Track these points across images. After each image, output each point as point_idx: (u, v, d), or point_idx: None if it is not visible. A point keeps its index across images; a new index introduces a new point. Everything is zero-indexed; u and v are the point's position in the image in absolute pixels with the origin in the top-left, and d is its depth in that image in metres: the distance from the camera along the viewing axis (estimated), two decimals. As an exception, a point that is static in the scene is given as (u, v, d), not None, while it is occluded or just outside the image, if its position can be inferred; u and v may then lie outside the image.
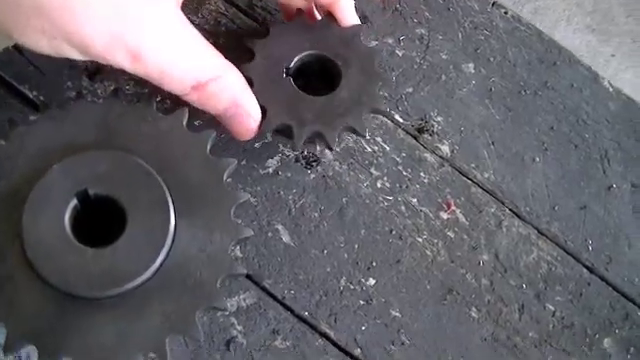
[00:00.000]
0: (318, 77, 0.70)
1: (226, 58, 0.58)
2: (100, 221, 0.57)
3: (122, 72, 0.74)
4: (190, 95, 0.56)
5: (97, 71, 0.74)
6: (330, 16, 0.69)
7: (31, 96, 0.73)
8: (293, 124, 0.64)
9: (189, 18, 0.57)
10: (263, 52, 0.66)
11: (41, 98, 0.73)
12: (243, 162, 0.72)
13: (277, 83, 0.66)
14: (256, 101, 0.60)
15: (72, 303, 0.55)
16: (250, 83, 0.63)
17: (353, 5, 0.69)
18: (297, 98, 0.66)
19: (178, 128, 0.62)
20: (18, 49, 0.74)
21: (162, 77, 0.54)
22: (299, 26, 0.69)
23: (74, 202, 0.55)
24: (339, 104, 0.66)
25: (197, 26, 0.77)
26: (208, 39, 0.56)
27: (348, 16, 0.68)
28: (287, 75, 0.66)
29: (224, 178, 0.61)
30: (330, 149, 0.69)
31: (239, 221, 0.61)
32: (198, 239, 0.60)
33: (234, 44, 0.74)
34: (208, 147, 0.62)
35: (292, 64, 0.67)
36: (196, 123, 0.69)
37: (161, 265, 0.58)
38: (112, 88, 0.74)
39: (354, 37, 0.68)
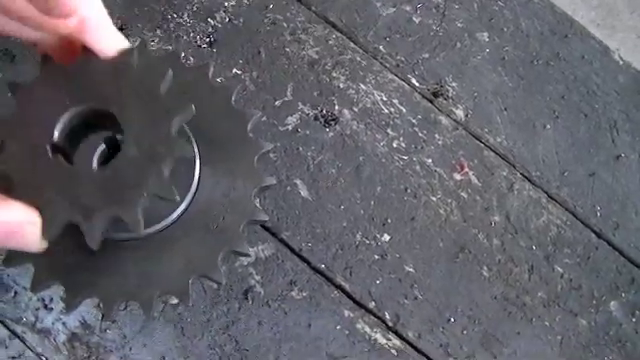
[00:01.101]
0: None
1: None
2: None
3: (148, 29, 0.76)
4: None
5: (122, 27, 0.75)
6: (86, 51, 0.51)
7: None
8: (78, 219, 0.47)
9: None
10: (13, 133, 0.48)
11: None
12: (263, 119, 0.72)
13: (44, 169, 0.49)
14: (19, 205, 0.44)
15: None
16: (10, 184, 0.47)
17: (109, 26, 0.49)
18: (74, 180, 0.48)
19: (203, 80, 0.62)
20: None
21: None
22: (48, 80, 0.50)
23: (102, 146, 0.53)
24: (129, 168, 0.49)
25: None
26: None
27: (107, 42, 0.49)
28: (55, 152, 0.49)
29: (248, 128, 0.62)
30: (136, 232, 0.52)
31: (263, 170, 0.62)
32: (222, 185, 0.60)
33: None
34: (233, 98, 0.62)
35: (56, 135, 0.49)
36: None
37: (185, 209, 0.58)
38: (136, 43, 0.74)
39: (121, 69, 0.50)
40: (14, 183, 0.48)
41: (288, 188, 0.71)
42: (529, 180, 0.75)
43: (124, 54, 0.53)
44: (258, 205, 0.60)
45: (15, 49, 0.73)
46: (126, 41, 0.50)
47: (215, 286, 0.67)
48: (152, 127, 0.51)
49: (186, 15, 0.76)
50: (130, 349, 0.66)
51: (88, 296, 0.58)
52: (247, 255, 0.65)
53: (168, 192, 0.50)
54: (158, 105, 0.52)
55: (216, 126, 0.61)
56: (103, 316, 0.67)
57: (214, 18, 0.76)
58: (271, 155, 0.71)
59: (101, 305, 0.67)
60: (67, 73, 0.52)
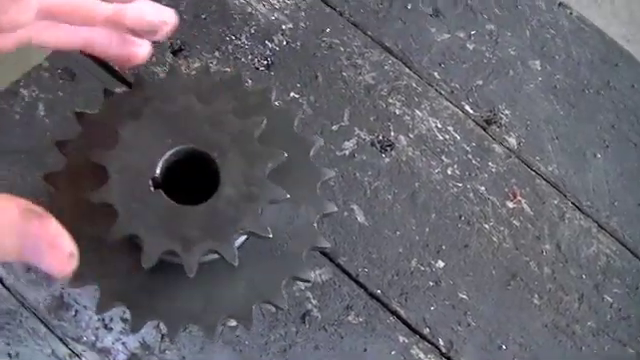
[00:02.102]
0: (190, 175, 0.56)
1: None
2: (184, 184, 0.55)
3: (206, 50, 0.75)
4: None
5: (181, 48, 0.74)
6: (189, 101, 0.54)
7: (116, 68, 0.73)
8: (178, 249, 0.50)
9: None
10: (118, 166, 0.51)
11: (126, 71, 0.73)
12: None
13: (145, 202, 0.51)
14: (59, 227, 0.41)
15: (162, 266, 0.55)
16: (114, 212, 0.50)
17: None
18: (174, 214, 0.51)
19: (266, 104, 0.62)
20: (105, 22, 0.74)
21: None
22: (153, 119, 0.53)
23: (168, 159, 0.53)
24: (225, 206, 0.51)
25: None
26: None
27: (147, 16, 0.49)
28: (156, 187, 0.52)
29: (310, 155, 0.62)
30: (232, 265, 0.51)
31: (324, 197, 0.62)
32: (285, 212, 0.60)
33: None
34: (295, 123, 0.62)
35: (158, 171, 0.52)
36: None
37: (248, 237, 0.58)
38: (196, 65, 0.74)
39: (222, 114, 0.54)
40: (116, 212, 0.50)
41: (345, 213, 0.70)
42: (579, 209, 0.75)
43: (222, 101, 0.54)
44: (320, 232, 0.61)
45: (76, 68, 0.72)
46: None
47: (274, 310, 0.67)
48: (247, 170, 0.52)
49: (244, 37, 0.75)
50: (189, 370, 0.66)
51: (153, 319, 0.57)
52: (309, 281, 0.65)
53: (262, 230, 0.51)
54: (253, 149, 0.53)
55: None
56: (162, 337, 0.66)
57: (272, 41, 0.76)
58: (328, 182, 0.71)
59: (163, 327, 0.66)
60: (170, 114, 0.53)
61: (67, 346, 0.65)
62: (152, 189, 0.51)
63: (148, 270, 0.51)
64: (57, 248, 0.39)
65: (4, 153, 0.69)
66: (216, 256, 0.56)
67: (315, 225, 0.60)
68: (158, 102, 0.54)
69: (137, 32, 0.50)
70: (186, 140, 0.54)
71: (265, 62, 0.75)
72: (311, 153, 0.61)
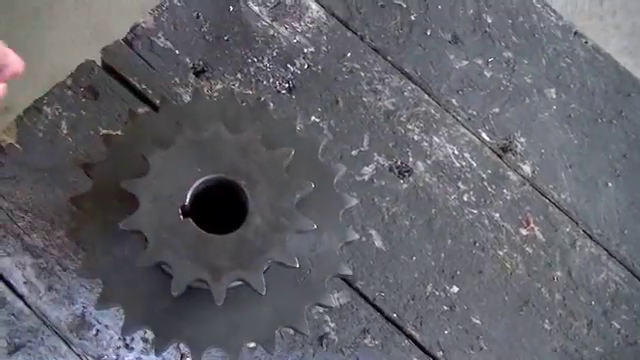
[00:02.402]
0: (219, 203, 0.56)
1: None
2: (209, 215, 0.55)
3: (229, 72, 0.76)
4: None
5: (203, 70, 0.75)
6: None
7: (139, 88, 0.73)
8: (207, 277, 0.51)
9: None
10: (148, 194, 0.52)
11: (149, 91, 0.73)
12: (341, 167, 0.73)
13: (174, 230, 0.51)
14: None
15: (188, 291, 0.55)
16: (143, 238, 0.51)
17: None
18: (203, 242, 0.52)
19: (290, 132, 0.63)
20: (128, 43, 0.75)
21: None
22: (183, 147, 0.54)
23: (198, 188, 0.54)
24: (254, 236, 0.52)
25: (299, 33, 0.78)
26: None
27: None
28: (185, 216, 0.52)
29: (334, 183, 0.62)
30: (259, 294, 0.52)
31: (346, 224, 0.62)
32: (309, 239, 0.61)
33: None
34: (319, 152, 0.63)
35: (187, 200, 0.52)
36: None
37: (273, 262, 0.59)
38: (218, 87, 0.74)
39: (251, 144, 0.54)
40: (146, 239, 0.50)
41: (364, 238, 0.71)
42: (590, 237, 0.76)
43: (251, 131, 0.55)
44: (342, 260, 0.61)
45: (99, 86, 0.73)
46: None
47: (291, 332, 0.68)
48: (276, 200, 0.53)
49: (266, 60, 0.76)
50: (208, 391, 0.67)
51: (177, 341, 0.58)
52: (330, 307, 0.66)
53: (290, 260, 0.52)
54: (282, 180, 0.53)
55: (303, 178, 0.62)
56: (182, 356, 0.67)
57: (293, 64, 0.76)
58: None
59: (183, 347, 0.67)
60: (200, 143, 0.53)
61: (88, 364, 0.66)
62: (181, 217, 0.52)
63: (174, 295, 0.52)
64: None
65: (27, 171, 0.69)
66: (240, 282, 0.57)
67: (337, 253, 0.60)
68: (187, 130, 0.54)
69: None
70: (215, 169, 0.54)
71: (287, 85, 0.75)
72: (334, 181, 0.62)
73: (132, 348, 0.67)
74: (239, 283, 0.58)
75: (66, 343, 0.66)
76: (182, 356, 0.67)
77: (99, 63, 0.74)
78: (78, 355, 0.66)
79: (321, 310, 0.69)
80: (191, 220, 0.52)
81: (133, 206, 0.55)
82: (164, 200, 0.53)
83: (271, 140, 0.58)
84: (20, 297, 0.67)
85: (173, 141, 0.54)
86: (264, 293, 0.52)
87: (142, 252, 0.52)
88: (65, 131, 0.71)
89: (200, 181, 0.54)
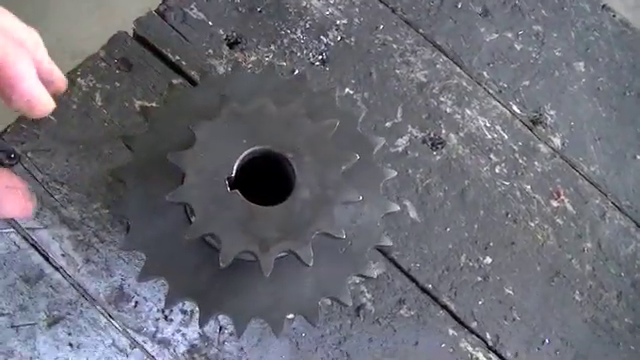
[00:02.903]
0: (264, 175, 0.55)
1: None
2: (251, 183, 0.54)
3: (262, 44, 0.75)
4: None
5: (237, 41, 0.73)
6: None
7: (173, 60, 0.72)
8: (255, 249, 0.50)
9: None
10: (194, 166, 0.51)
11: (183, 63, 0.72)
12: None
13: (222, 202, 0.50)
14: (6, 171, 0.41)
15: (232, 263, 0.55)
16: (191, 210, 0.51)
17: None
18: (251, 214, 0.50)
19: (330, 105, 0.62)
20: (160, 14, 0.73)
21: None
22: (227, 120, 0.53)
23: (244, 160, 0.53)
24: (302, 208, 0.51)
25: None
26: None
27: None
28: (232, 187, 0.51)
29: (374, 155, 0.62)
30: (306, 265, 0.51)
31: (386, 196, 0.62)
32: (350, 211, 0.60)
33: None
34: (359, 124, 0.62)
35: (234, 172, 0.51)
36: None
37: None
38: (252, 58, 0.73)
39: (296, 116, 0.53)
40: (194, 211, 0.49)
41: (399, 211, 0.71)
42: (619, 209, 0.76)
43: (296, 104, 0.54)
44: (383, 231, 0.61)
45: (133, 58, 0.71)
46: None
47: (329, 302, 0.68)
48: (322, 172, 0.52)
49: (299, 31, 0.74)
50: (247, 361, 0.66)
51: (221, 314, 0.57)
52: (372, 278, 0.65)
53: (337, 231, 0.51)
54: (327, 152, 0.52)
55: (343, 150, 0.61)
56: (221, 328, 0.66)
57: (326, 36, 0.75)
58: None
59: (222, 319, 0.66)
60: (245, 116, 0.52)
61: (127, 337, 0.65)
62: (229, 189, 0.51)
63: (217, 267, 0.51)
64: (14, 192, 0.40)
65: (62, 143, 0.68)
66: (285, 254, 0.57)
67: (378, 224, 0.60)
68: (232, 102, 0.53)
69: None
70: (262, 141, 0.53)
71: (320, 57, 0.74)
72: (374, 153, 0.61)
73: (171, 320, 0.66)
74: (283, 255, 0.57)
75: (105, 315, 0.65)
76: (220, 328, 0.66)
77: (130, 34, 0.72)
78: (117, 327, 0.65)
79: (357, 281, 0.68)
80: (238, 192, 0.51)
81: (176, 179, 0.54)
82: (210, 172, 0.52)
83: (312, 112, 0.57)
84: (58, 269, 0.66)
85: (218, 113, 0.53)
86: (311, 264, 0.51)
87: (190, 225, 0.51)
88: (99, 103, 0.70)
89: (247, 153, 0.53)
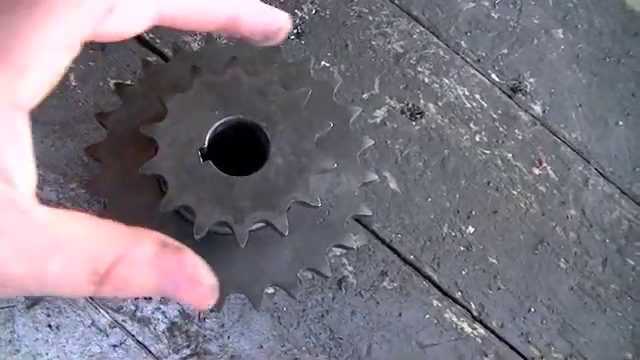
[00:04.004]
0: (237, 145, 0.53)
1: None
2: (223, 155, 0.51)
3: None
4: (98, 291, 0.30)
5: (210, 17, 0.70)
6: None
7: (147, 38, 0.69)
8: (230, 220, 0.48)
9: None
10: (166, 138, 0.48)
11: (157, 40, 0.69)
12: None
13: (195, 173, 0.48)
14: (197, 258, 0.35)
15: (208, 236, 0.52)
16: (164, 183, 0.47)
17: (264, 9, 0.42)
18: (225, 184, 0.48)
19: (305, 75, 0.59)
20: (133, -8, 0.70)
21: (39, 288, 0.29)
22: (198, 91, 0.50)
23: (217, 130, 0.50)
24: (276, 177, 0.49)
25: None
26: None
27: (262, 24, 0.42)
28: (204, 158, 0.48)
29: (350, 124, 0.59)
30: (282, 234, 0.49)
31: (364, 165, 0.59)
32: (326, 181, 0.58)
33: None
34: (334, 92, 0.59)
35: (206, 142, 0.49)
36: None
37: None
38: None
39: (269, 85, 0.50)
40: (167, 183, 0.47)
41: (378, 180, 0.67)
42: (603, 175, 0.73)
43: (269, 72, 0.51)
44: (361, 200, 0.58)
45: (106, 37, 0.68)
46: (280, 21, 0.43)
47: (310, 276, 0.65)
48: (297, 140, 0.49)
49: (274, 5, 0.71)
50: (229, 338, 0.63)
51: (197, 288, 0.55)
52: (352, 249, 0.62)
53: (313, 200, 0.48)
54: (301, 121, 0.50)
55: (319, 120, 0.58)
56: (201, 305, 0.63)
57: (301, 9, 0.72)
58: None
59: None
60: (218, 86, 0.50)
61: (107, 316, 0.62)
62: (201, 160, 0.49)
63: (194, 241, 0.48)
64: (196, 282, 0.34)
65: (37, 124, 0.65)
66: (261, 225, 0.54)
67: (356, 193, 0.57)
68: (204, 73, 0.51)
69: (251, 39, 0.44)
70: (235, 111, 0.50)
71: (295, 31, 0.71)
72: (350, 122, 0.58)
73: (150, 298, 0.63)
74: (259, 226, 0.54)
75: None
76: (201, 304, 0.63)
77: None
78: (96, 307, 0.62)
79: (338, 253, 0.65)
80: (211, 163, 0.49)
81: (151, 154, 0.51)
82: (183, 144, 0.49)
83: (287, 83, 0.55)
84: (35, 250, 0.63)
85: (190, 84, 0.51)
86: (287, 234, 0.48)
87: (163, 197, 0.48)
88: (74, 83, 0.67)
89: (219, 123, 0.50)
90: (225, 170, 0.49)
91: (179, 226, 0.54)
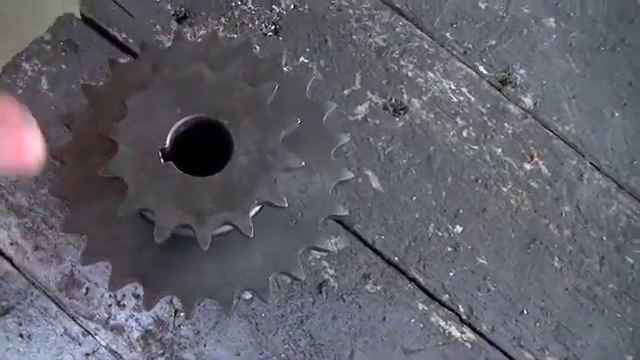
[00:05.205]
0: (201, 145, 0.49)
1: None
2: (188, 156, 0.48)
3: (212, 17, 0.67)
4: None
5: (185, 15, 0.66)
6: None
7: (120, 39, 0.65)
8: (191, 222, 0.43)
9: None
10: (127, 138, 0.44)
11: (130, 41, 0.65)
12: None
13: (155, 174, 0.44)
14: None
15: (174, 240, 0.48)
16: (123, 184, 0.43)
17: None
18: (186, 185, 0.44)
19: (276, 71, 0.54)
20: (107, -8, 0.66)
21: None
22: (159, 89, 0.46)
23: (178, 130, 0.46)
24: (240, 176, 0.44)
25: None
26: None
27: None
28: (166, 159, 0.44)
29: (324, 120, 0.54)
30: (247, 236, 0.44)
31: (339, 163, 0.54)
32: (299, 180, 0.53)
33: None
34: (307, 90, 0.54)
35: (167, 142, 0.45)
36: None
37: (262, 206, 0.51)
38: (202, 32, 0.65)
39: (233, 81, 0.46)
40: (126, 185, 0.43)
41: (360, 179, 0.62)
42: (598, 169, 0.67)
43: (233, 68, 0.47)
44: (336, 200, 0.53)
45: (78, 40, 0.64)
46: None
47: (289, 281, 0.60)
48: (261, 138, 0.45)
49: (250, 2, 0.66)
50: (205, 345, 0.58)
51: (167, 294, 0.50)
52: (327, 251, 0.57)
53: (278, 199, 0.44)
54: (266, 117, 0.46)
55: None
56: (176, 312, 0.59)
57: (279, 5, 0.67)
58: (342, 148, 0.63)
59: (177, 302, 0.59)
60: (178, 83, 0.46)
61: (80, 325, 0.58)
62: (162, 161, 0.44)
63: (160, 245, 0.44)
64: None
65: (8, 128, 0.61)
66: (230, 228, 0.49)
67: (331, 193, 0.52)
68: (166, 70, 0.47)
69: None
70: (196, 109, 0.46)
71: (273, 27, 0.66)
72: (324, 118, 0.53)
73: (124, 305, 0.59)
74: (228, 229, 0.50)
75: (56, 303, 0.58)
76: (176, 312, 0.59)
77: (78, 15, 0.65)
78: (69, 315, 0.58)
79: (318, 256, 0.60)
80: (172, 163, 0.45)
81: (114, 153, 0.47)
82: (144, 144, 0.45)
83: (256, 80, 0.50)
84: (6, 258, 0.59)
85: (151, 82, 0.46)
86: (252, 236, 0.44)
87: (122, 199, 0.44)
88: (45, 87, 0.63)
89: (180, 122, 0.46)
90: (190, 171, 0.45)
91: (145, 230, 0.50)
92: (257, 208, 0.51)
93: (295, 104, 0.53)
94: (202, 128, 0.48)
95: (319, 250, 0.52)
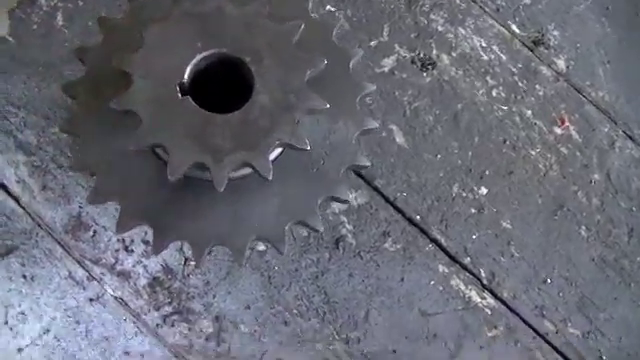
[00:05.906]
0: (221, 83, 0.45)
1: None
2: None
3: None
4: None
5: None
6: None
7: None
8: (208, 161, 0.40)
9: None
10: (142, 71, 0.41)
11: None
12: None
13: (171, 109, 0.41)
14: None
15: (188, 182, 0.44)
16: (137, 118, 0.40)
17: None
18: (204, 122, 0.41)
19: (302, 13, 0.50)
20: None
21: None
22: (179, 21, 0.43)
23: (198, 64, 0.43)
24: (260, 115, 0.41)
25: None
26: None
27: None
28: (183, 94, 0.41)
29: (350, 67, 0.50)
30: (265, 179, 0.41)
31: (364, 112, 0.50)
32: (322, 126, 0.49)
33: None
34: (334, 34, 0.50)
35: (186, 76, 0.42)
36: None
37: (282, 150, 0.47)
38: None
39: (256, 17, 0.43)
40: (140, 120, 0.39)
41: (383, 133, 0.58)
42: (631, 138, 0.63)
43: (257, 4, 0.43)
44: (359, 149, 0.49)
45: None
46: None
47: (306, 233, 0.56)
48: (284, 77, 0.41)
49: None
50: (214, 296, 0.55)
51: (177, 239, 0.46)
52: (346, 202, 0.53)
53: (300, 141, 0.40)
54: (290, 55, 0.41)
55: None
56: (186, 260, 0.55)
57: (306, -49, 0.62)
58: (366, 98, 0.59)
59: (187, 249, 0.55)
60: (200, 17, 0.42)
61: (85, 268, 0.54)
62: (179, 95, 0.40)
63: (173, 187, 0.42)
64: None
65: (21, 65, 0.58)
66: (247, 171, 0.45)
67: (354, 142, 0.48)
68: (186, 3, 0.43)
69: None
70: (218, 44, 0.42)
71: (299, -27, 0.62)
72: (351, 65, 0.49)
73: (132, 251, 0.55)
74: (245, 173, 0.46)
75: (61, 245, 0.55)
76: (185, 260, 0.55)
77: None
78: (74, 258, 0.54)
79: (337, 210, 0.56)
80: (190, 98, 0.41)
81: (128, 87, 0.43)
82: (160, 77, 0.41)
83: (280, 18, 0.46)
84: (12, 197, 0.55)
85: (170, 14, 0.43)
86: (270, 178, 0.40)
87: (134, 133, 0.40)
88: (61, 22, 0.59)
89: (200, 57, 0.42)
90: (209, 108, 0.41)
91: (159, 169, 0.46)
92: (277, 152, 0.47)
93: (321, 48, 0.49)
94: (223, 65, 0.44)
95: (339, 201, 0.48)
